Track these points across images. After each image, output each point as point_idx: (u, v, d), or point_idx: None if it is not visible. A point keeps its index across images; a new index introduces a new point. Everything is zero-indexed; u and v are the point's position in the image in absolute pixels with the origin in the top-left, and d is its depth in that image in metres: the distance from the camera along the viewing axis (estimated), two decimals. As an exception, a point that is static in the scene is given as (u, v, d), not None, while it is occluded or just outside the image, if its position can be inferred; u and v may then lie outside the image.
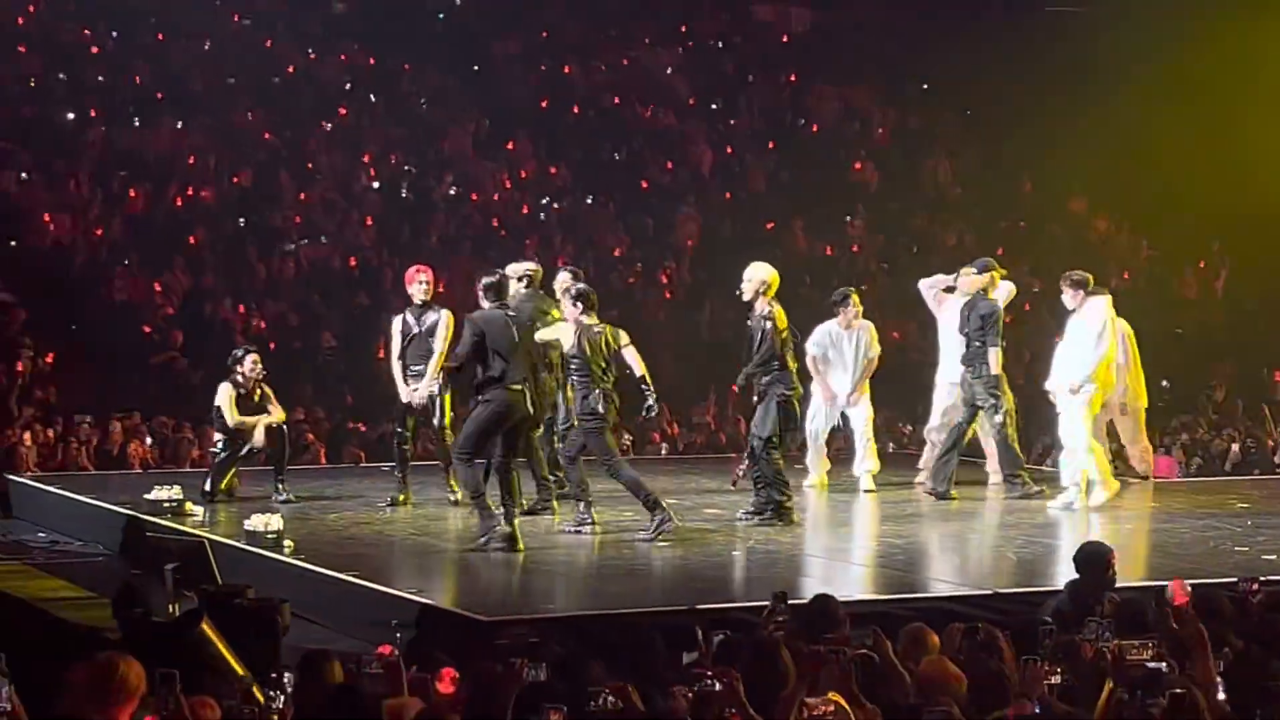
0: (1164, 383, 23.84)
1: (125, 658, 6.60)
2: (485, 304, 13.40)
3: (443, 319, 15.27)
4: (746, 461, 14.97)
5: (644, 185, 28.95)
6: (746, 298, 14.64)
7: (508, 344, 13.17)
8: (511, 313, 13.46)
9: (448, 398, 15.43)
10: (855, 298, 17.15)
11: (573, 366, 13.71)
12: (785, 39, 33.45)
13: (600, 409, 13.56)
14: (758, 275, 14.64)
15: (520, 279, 14.73)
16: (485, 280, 13.59)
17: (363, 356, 22.57)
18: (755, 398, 14.67)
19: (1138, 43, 28.63)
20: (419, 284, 15.57)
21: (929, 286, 17.54)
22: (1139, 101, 28.48)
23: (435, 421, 15.48)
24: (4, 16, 27.73)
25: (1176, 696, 7.25)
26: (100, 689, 6.47)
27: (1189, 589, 9.36)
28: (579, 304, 13.78)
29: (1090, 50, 29.47)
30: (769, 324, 14.39)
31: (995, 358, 16.25)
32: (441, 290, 21.99)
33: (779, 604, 9.12)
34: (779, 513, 14.36)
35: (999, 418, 16.35)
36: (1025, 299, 22.19)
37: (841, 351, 16.91)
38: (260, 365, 16.06)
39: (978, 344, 16.40)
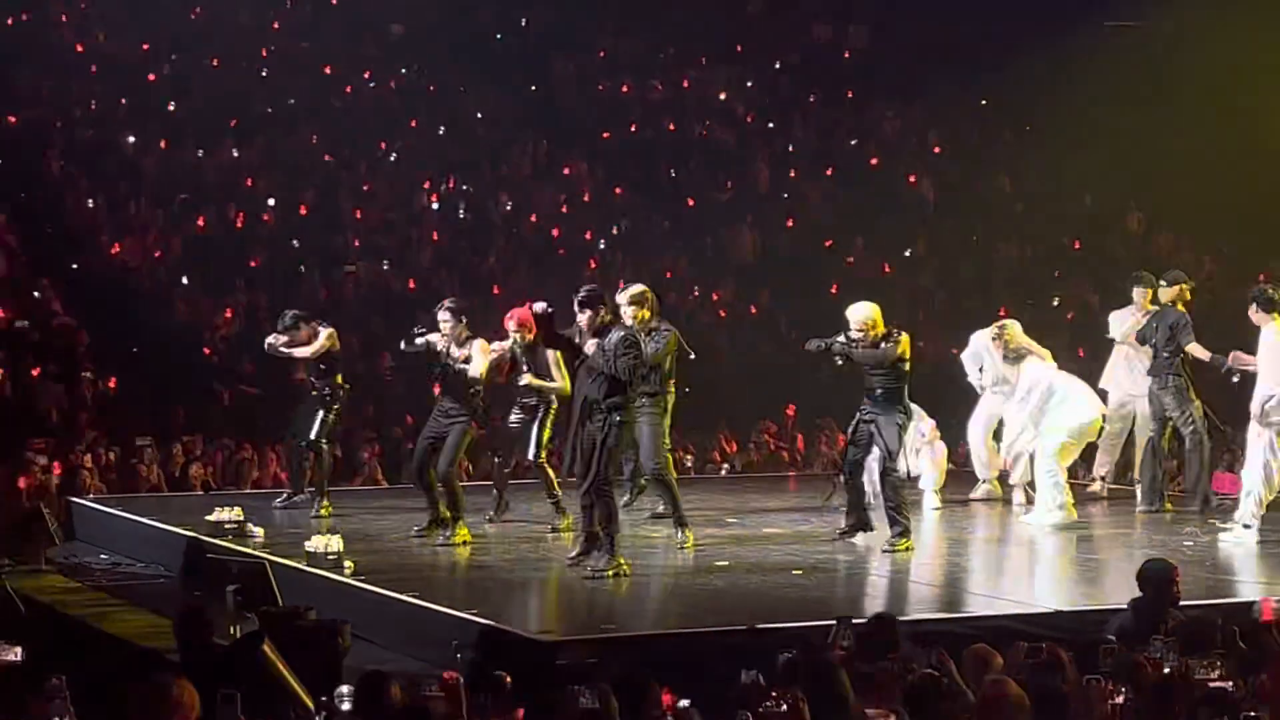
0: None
1: (179, 679, 6.61)
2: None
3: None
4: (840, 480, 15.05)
5: (701, 205, 28.92)
6: (858, 337, 14.40)
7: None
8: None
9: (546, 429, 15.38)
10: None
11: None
12: (843, 57, 33.41)
13: None
14: (865, 315, 14.46)
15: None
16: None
17: (421, 378, 22.57)
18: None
19: (1198, 57, 28.48)
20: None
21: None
22: (1200, 116, 28.32)
23: (531, 454, 15.45)
24: (66, 43, 27.95)
25: (1251, 720, 7.19)
26: (153, 710, 6.49)
27: (1278, 606, 9.26)
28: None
29: (1150, 64, 29.34)
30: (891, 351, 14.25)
31: (1197, 350, 16.34)
32: (499, 309, 22.11)
33: (844, 627, 9.09)
34: (903, 535, 14.20)
35: (1190, 428, 16.29)
36: (1086, 316, 22.06)
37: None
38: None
39: (1166, 355, 16.34)
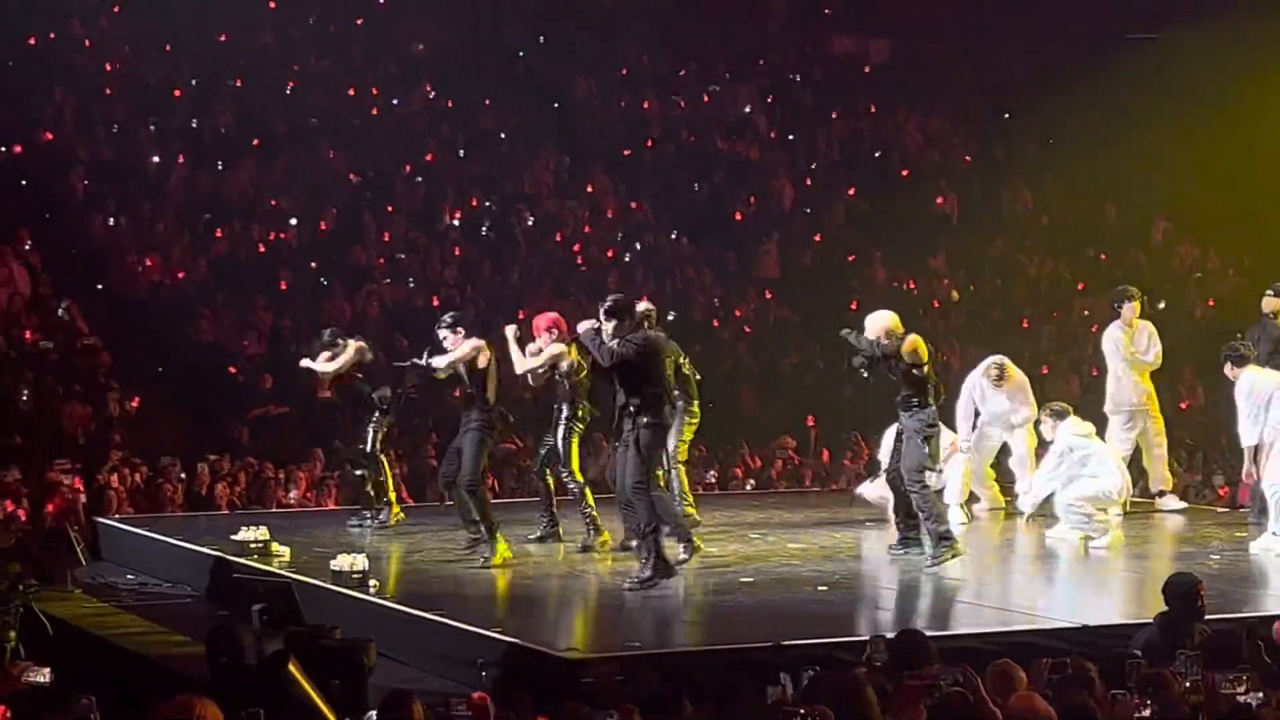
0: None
1: (201, 699, 6.63)
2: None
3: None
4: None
5: (725, 219, 28.95)
6: (879, 349, 14.40)
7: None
8: None
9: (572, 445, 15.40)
10: None
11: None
12: (865, 70, 33.43)
13: None
14: (880, 325, 14.47)
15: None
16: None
17: (445, 395, 22.61)
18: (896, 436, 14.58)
19: (1220, 68, 28.45)
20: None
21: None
22: (1223, 126, 28.28)
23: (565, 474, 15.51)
24: (90, 62, 28.04)
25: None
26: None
27: None
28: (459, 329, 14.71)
29: (1172, 76, 29.31)
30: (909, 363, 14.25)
31: None
32: (521, 319, 22.15)
33: (878, 645, 9.09)
34: (946, 542, 14.11)
35: None
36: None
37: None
38: None
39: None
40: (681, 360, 15.39)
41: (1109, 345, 17.79)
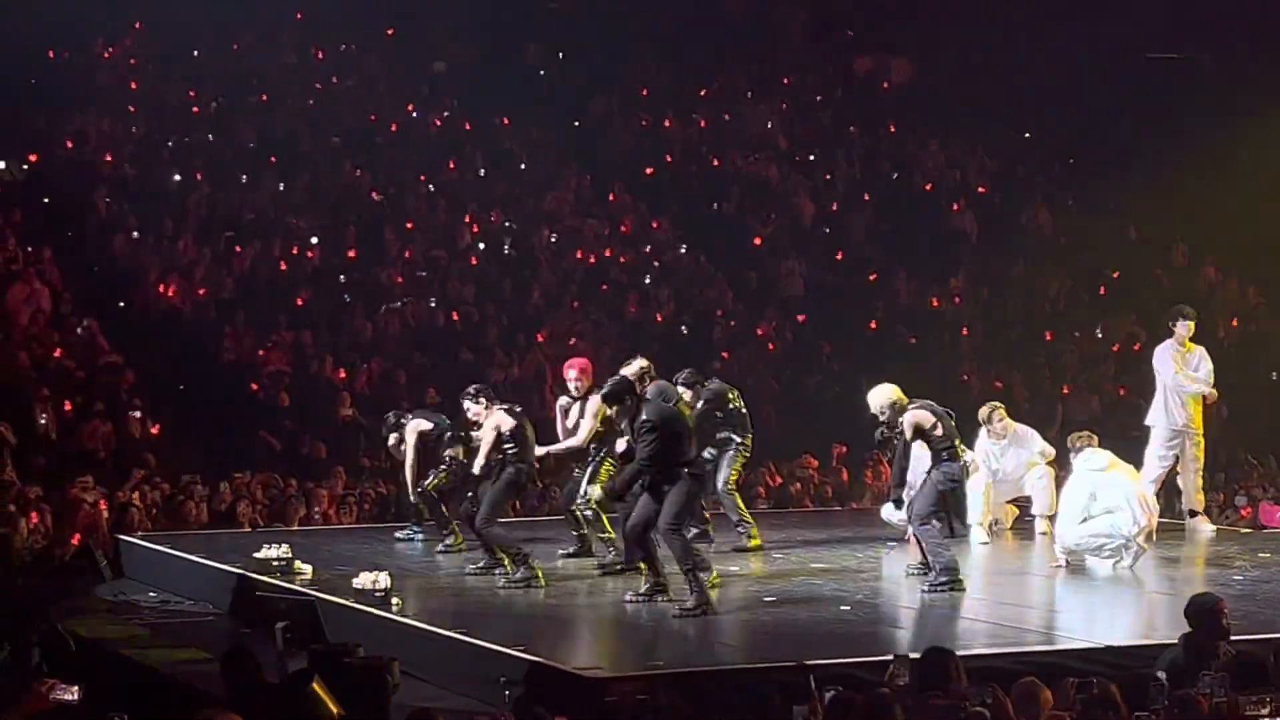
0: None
1: (226, 715, 6.63)
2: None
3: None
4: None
5: (745, 238, 28.98)
6: (885, 422, 14.51)
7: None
8: None
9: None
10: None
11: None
12: (885, 89, 33.46)
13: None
14: (882, 399, 14.55)
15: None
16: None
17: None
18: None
19: (1242, 87, 28.43)
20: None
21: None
22: (1246, 147, 28.23)
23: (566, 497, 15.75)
24: (113, 79, 28.15)
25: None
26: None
27: None
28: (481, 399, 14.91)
29: (1193, 96, 29.29)
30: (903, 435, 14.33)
31: None
32: (541, 340, 22.17)
33: (900, 664, 9.07)
34: (950, 573, 14.13)
35: None
36: (1130, 349, 22.07)
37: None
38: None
39: None
40: (731, 395, 16.15)
41: (1160, 363, 17.69)
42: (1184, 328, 17.58)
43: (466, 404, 15.12)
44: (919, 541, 14.44)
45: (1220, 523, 19.52)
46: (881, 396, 14.48)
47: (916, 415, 14.25)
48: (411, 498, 16.68)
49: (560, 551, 15.77)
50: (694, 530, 15.40)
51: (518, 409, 14.96)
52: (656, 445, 13.07)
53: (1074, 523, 15.17)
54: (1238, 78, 28.94)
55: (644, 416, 13.17)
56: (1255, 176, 28.15)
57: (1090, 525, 15.11)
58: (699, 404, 15.80)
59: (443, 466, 16.17)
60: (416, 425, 16.46)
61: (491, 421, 14.73)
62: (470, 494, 15.16)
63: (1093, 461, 15.31)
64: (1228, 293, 29.16)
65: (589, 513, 15.40)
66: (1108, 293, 28.89)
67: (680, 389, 14.97)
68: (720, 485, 16.15)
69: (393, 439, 16.96)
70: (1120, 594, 14.69)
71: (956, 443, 14.30)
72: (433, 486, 16.27)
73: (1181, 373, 17.50)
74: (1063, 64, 31.18)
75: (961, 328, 27.64)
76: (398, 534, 17.29)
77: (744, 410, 16.28)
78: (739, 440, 16.15)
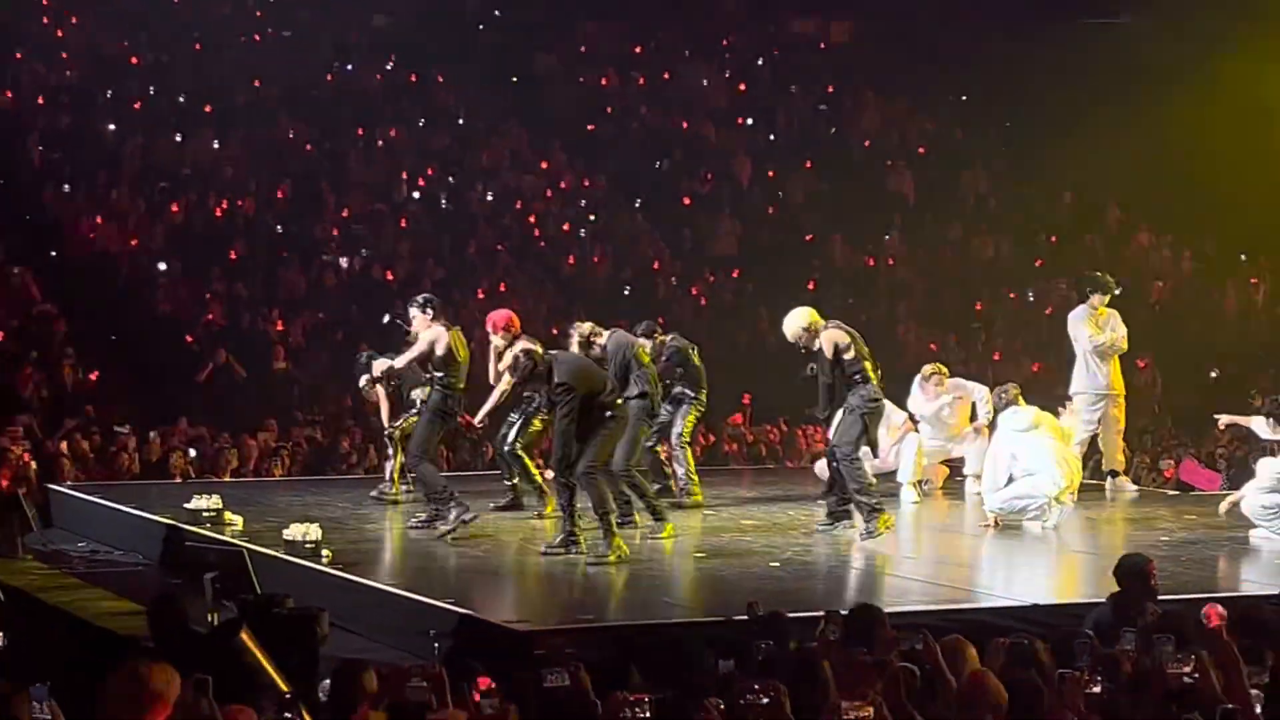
0: (1212, 373, 23.86)
1: (156, 664, 6.60)
2: None
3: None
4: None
5: (682, 197, 28.97)
6: (804, 346, 14.53)
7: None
8: None
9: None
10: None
11: None
12: (823, 49, 33.46)
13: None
14: (796, 325, 14.57)
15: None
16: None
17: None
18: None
19: (1178, 53, 28.55)
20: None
21: None
22: (1180, 112, 28.37)
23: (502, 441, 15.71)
24: (47, 29, 27.88)
25: (1228, 713, 7.20)
26: (131, 696, 6.48)
27: (1224, 613, 9.29)
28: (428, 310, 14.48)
29: (1129, 61, 29.40)
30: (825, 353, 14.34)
31: None
32: (480, 297, 22.14)
33: (831, 621, 9.11)
34: (877, 514, 14.13)
35: None
36: (1065, 312, 22.03)
37: None
38: None
39: None
40: (691, 352, 16.35)
41: (1074, 328, 17.84)
42: (1098, 299, 17.74)
43: (412, 311, 14.84)
44: (841, 478, 14.40)
45: (1144, 484, 19.69)
46: (796, 322, 14.47)
47: (833, 334, 14.31)
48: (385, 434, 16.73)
49: (492, 505, 15.78)
50: (657, 486, 15.55)
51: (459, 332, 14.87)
52: (574, 403, 13.11)
53: (997, 485, 15.27)
54: (1171, 43, 29.05)
55: (557, 380, 13.20)
56: (1189, 141, 28.32)
57: (1012, 487, 15.20)
58: (663, 359, 15.93)
59: (413, 410, 16.09)
60: (382, 363, 16.37)
61: (429, 335, 14.58)
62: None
63: (1014, 421, 15.40)
64: (1161, 257, 29.35)
65: (518, 462, 15.49)
66: (1043, 256, 29.02)
67: (640, 340, 15.13)
68: (674, 438, 16.23)
69: (364, 380, 16.75)
70: (1048, 554, 14.80)
71: (868, 366, 14.32)
72: (401, 430, 16.25)
73: (1097, 334, 17.66)
74: (1000, 28, 31.24)
75: (897, 289, 27.73)
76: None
77: (701, 367, 16.43)
78: (694, 396, 16.30)
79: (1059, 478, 15.14)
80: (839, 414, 14.54)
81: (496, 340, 15.29)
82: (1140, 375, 24.83)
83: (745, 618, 9.83)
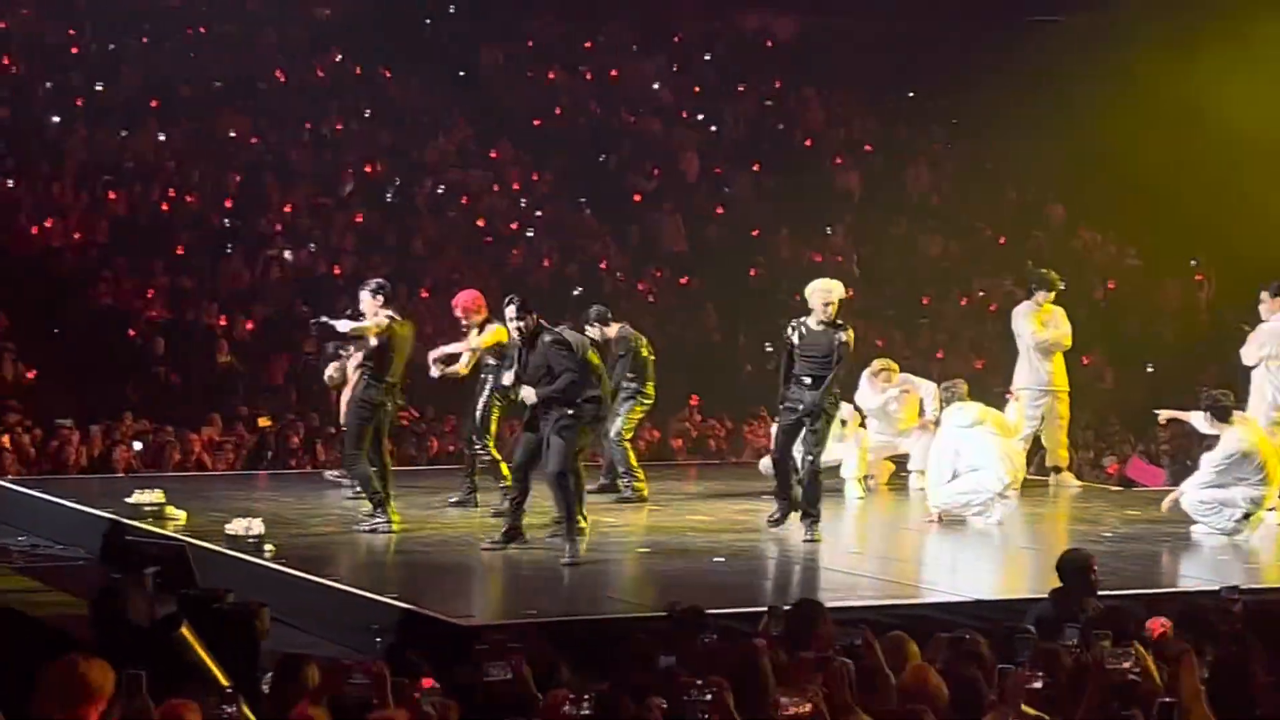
0: (1148, 368, 24.01)
1: (90, 658, 6.57)
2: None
3: None
4: None
5: (629, 192, 28.95)
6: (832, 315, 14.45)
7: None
8: None
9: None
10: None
11: None
12: (770, 46, 33.49)
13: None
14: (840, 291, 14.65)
15: None
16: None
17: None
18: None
19: (1122, 52, 28.66)
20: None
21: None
22: (1118, 110, 28.49)
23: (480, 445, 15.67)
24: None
25: (1165, 706, 7.22)
26: (65, 690, 6.45)
27: (1166, 623, 9.34)
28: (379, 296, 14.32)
29: (1074, 60, 29.50)
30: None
31: None
32: (425, 296, 22.11)
33: (775, 614, 9.11)
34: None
35: None
36: (1011, 306, 22.19)
37: None
38: None
39: None
40: (642, 344, 16.49)
41: (1018, 324, 17.92)
42: (1043, 296, 17.83)
43: (363, 294, 14.64)
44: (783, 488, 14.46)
45: (1087, 480, 19.78)
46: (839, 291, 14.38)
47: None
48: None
49: (449, 499, 15.75)
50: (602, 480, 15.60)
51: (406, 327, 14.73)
52: (576, 372, 13.07)
53: (941, 481, 15.33)
54: (1114, 40, 29.17)
55: (561, 338, 13.21)
56: (1128, 139, 28.43)
57: (956, 483, 15.26)
58: (620, 355, 15.94)
59: None
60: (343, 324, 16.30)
61: (373, 321, 14.43)
62: None
63: (958, 417, 15.46)
64: (1104, 254, 29.46)
65: (486, 458, 15.44)
66: (987, 253, 29.11)
67: (594, 327, 15.07)
68: (613, 434, 16.17)
69: (331, 368, 16.62)
70: (990, 549, 14.86)
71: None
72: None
73: (1041, 331, 17.75)
74: (945, 24, 31.33)
75: (843, 285, 27.72)
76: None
77: (650, 359, 16.52)
78: (639, 390, 16.32)
79: (1003, 474, 15.20)
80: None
81: (464, 325, 15.33)
82: (1084, 371, 24.93)
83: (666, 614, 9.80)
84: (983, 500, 15.20)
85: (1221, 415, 14.92)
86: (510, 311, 13.54)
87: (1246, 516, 14.70)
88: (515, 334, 13.60)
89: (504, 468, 15.17)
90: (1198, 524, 14.81)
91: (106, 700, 6.49)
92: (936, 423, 16.40)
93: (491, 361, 15.34)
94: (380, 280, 15.00)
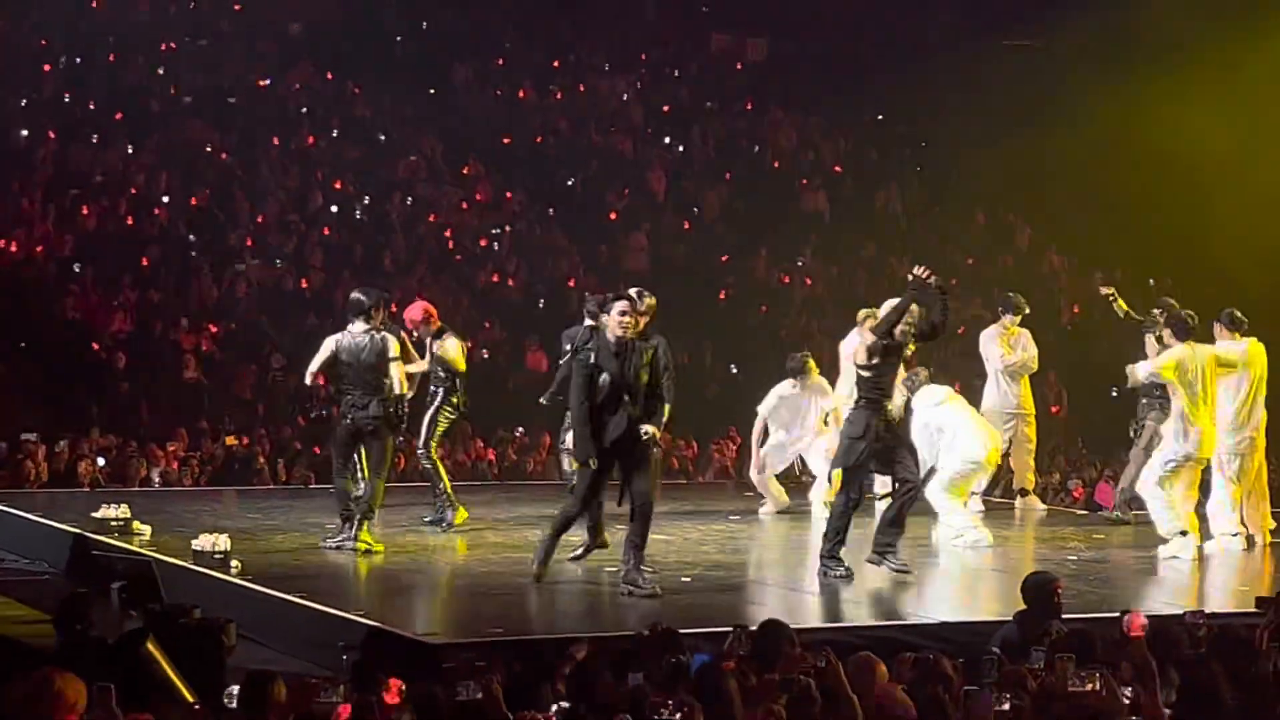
0: (1113, 392, 24.05)
1: (62, 673, 6.55)
2: None
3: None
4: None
5: (599, 211, 28.96)
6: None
7: None
8: None
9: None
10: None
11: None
12: (740, 68, 33.56)
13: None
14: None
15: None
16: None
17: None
18: None
19: (1089, 78, 28.80)
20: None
21: None
22: (1091, 136, 28.62)
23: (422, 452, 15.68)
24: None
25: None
26: (36, 705, 6.43)
27: (1145, 623, 9.38)
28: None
29: (1043, 85, 29.63)
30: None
31: None
32: (394, 311, 22.04)
33: (741, 634, 9.12)
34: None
35: None
36: (978, 332, 22.26)
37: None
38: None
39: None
40: None
41: (986, 347, 17.99)
42: (1009, 319, 17.91)
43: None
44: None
45: (1052, 503, 19.85)
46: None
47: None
48: None
49: (425, 519, 15.75)
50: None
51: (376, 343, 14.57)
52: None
53: (929, 461, 15.52)
54: (1082, 66, 29.31)
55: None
56: (1095, 164, 28.58)
57: (947, 464, 15.40)
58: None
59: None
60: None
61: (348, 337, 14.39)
62: None
63: (928, 398, 15.63)
64: (1071, 278, 29.56)
65: (428, 464, 15.51)
66: (956, 276, 29.16)
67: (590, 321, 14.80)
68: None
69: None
70: (956, 572, 14.88)
71: None
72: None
73: (1009, 354, 17.82)
74: (915, 47, 31.43)
75: (812, 306, 27.80)
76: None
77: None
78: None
79: (985, 439, 15.42)
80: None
81: (417, 335, 15.37)
82: (1050, 393, 25.01)
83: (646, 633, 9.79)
84: (971, 469, 15.41)
85: (1182, 333, 15.10)
86: (624, 306, 12.72)
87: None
88: (620, 331, 12.61)
89: (445, 478, 15.40)
90: (1166, 544, 14.94)
91: (79, 715, 6.48)
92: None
93: (443, 374, 15.45)
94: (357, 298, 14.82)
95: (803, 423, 17.15)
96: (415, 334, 15.53)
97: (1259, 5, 27.37)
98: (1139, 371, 15.71)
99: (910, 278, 13.74)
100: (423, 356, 15.55)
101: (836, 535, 13.33)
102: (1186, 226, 27.80)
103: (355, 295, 14.62)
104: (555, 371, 15.42)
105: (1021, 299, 18.16)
